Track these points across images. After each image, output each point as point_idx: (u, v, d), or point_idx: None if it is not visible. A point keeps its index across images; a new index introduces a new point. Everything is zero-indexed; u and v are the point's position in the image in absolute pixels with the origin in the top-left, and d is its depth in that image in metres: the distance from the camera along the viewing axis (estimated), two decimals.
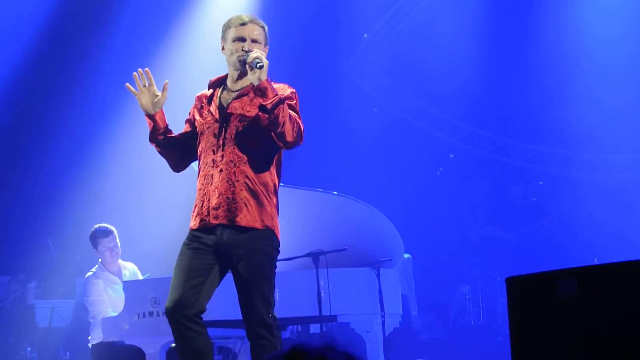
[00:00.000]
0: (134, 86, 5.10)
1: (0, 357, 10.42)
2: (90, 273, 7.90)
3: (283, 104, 4.77)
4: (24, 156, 11.99)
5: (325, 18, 12.73)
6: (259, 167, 4.93)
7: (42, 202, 11.74)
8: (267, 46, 5.14)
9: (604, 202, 12.49)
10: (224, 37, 5.11)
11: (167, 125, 5.15)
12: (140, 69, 5.10)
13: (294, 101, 5.00)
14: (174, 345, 6.97)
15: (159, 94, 5.08)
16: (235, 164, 4.90)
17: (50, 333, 10.49)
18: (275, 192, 5.04)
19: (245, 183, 4.88)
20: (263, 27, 5.12)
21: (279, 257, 6.05)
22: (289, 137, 4.81)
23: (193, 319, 4.86)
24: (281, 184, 7.19)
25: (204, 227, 4.93)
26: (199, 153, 5.08)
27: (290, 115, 4.81)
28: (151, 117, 5.09)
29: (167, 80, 5.10)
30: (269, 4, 11.50)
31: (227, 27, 5.11)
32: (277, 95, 4.78)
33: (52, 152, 11.93)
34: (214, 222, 4.89)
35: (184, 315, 4.84)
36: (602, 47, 12.27)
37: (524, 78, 12.89)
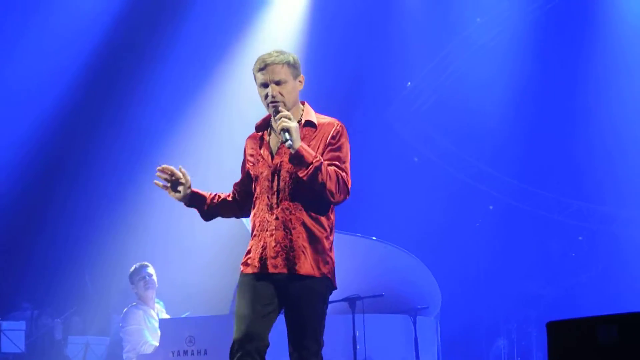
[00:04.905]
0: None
1: None
2: (130, 306, 7.99)
3: (320, 170, 4.61)
4: (63, 193, 12.08)
5: (367, 66, 12.81)
6: (316, 211, 4.78)
7: (80, 239, 11.81)
8: (300, 75, 4.87)
9: None
10: (254, 80, 4.88)
11: (206, 198, 5.01)
12: (158, 167, 4.93)
13: (338, 143, 4.80)
14: None
15: (183, 179, 4.91)
16: (291, 211, 4.75)
17: None
18: (332, 232, 4.87)
19: (303, 230, 4.74)
20: (287, 62, 4.79)
21: None
22: (332, 198, 4.68)
23: (261, 354, 4.65)
24: None
25: (261, 274, 4.75)
26: (254, 197, 4.91)
27: (330, 175, 4.64)
28: (188, 205, 5.00)
29: (180, 166, 4.92)
30: (313, 49, 11.62)
31: (253, 70, 4.87)
32: (312, 163, 4.59)
33: (91, 190, 12.02)
34: (273, 270, 4.72)
35: (254, 348, 4.63)
36: None
37: (566, 132, 12.86)
